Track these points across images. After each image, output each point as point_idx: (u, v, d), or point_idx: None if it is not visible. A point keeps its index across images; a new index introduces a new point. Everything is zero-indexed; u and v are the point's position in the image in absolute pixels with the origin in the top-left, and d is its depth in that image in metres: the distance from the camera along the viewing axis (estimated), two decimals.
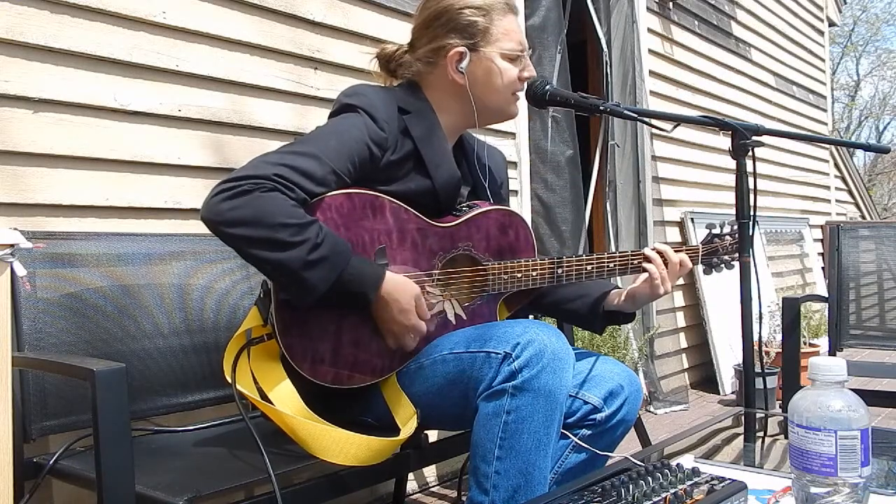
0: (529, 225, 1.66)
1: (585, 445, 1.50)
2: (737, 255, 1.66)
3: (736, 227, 1.64)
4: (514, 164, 3.05)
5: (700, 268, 1.71)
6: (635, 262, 1.59)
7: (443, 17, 1.51)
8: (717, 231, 1.69)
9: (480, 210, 1.55)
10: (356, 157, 1.39)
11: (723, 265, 1.70)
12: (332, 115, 1.49)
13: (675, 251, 1.60)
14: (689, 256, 1.62)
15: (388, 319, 1.39)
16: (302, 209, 1.30)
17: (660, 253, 1.58)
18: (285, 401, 1.38)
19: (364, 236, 1.40)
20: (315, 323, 1.37)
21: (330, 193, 1.37)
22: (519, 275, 1.53)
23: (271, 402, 1.36)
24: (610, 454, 1.51)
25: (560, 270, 1.55)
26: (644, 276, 1.58)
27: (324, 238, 1.29)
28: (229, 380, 1.37)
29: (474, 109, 1.53)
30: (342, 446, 1.32)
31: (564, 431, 1.49)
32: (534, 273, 1.54)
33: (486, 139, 1.75)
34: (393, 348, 1.43)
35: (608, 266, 1.58)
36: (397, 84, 1.59)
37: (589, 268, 1.56)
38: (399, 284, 1.38)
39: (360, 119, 1.42)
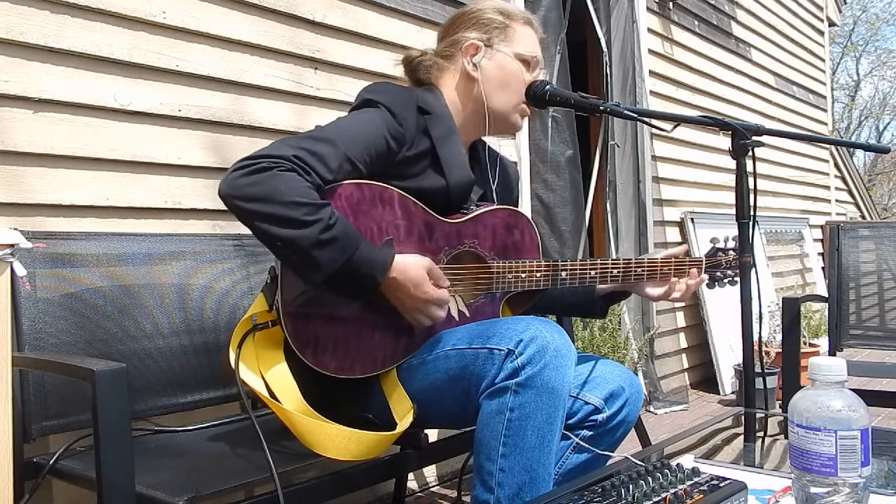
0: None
1: (586, 445, 1.50)
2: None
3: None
4: (515, 164, 3.05)
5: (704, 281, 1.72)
6: (639, 270, 1.60)
7: (465, 17, 1.59)
8: (720, 245, 1.71)
9: (488, 208, 1.56)
10: (373, 150, 1.41)
11: (726, 280, 1.70)
12: (352, 110, 1.51)
13: (678, 260, 1.63)
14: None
15: (405, 298, 1.38)
16: (317, 192, 1.31)
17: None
18: (284, 393, 1.38)
19: (372, 227, 1.41)
20: (320, 310, 1.37)
21: (341, 183, 1.38)
22: (523, 275, 1.53)
23: (272, 392, 1.37)
24: (611, 454, 1.51)
25: (564, 274, 1.55)
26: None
27: (336, 221, 1.30)
28: (233, 365, 1.38)
29: (485, 110, 1.55)
30: (337, 441, 1.33)
31: (566, 432, 1.49)
32: (537, 274, 1.54)
33: (487, 141, 1.75)
34: (426, 324, 1.42)
35: (612, 273, 1.59)
36: (419, 87, 1.60)
37: (592, 273, 1.58)
38: (409, 261, 1.38)
39: (380, 114, 1.45)
